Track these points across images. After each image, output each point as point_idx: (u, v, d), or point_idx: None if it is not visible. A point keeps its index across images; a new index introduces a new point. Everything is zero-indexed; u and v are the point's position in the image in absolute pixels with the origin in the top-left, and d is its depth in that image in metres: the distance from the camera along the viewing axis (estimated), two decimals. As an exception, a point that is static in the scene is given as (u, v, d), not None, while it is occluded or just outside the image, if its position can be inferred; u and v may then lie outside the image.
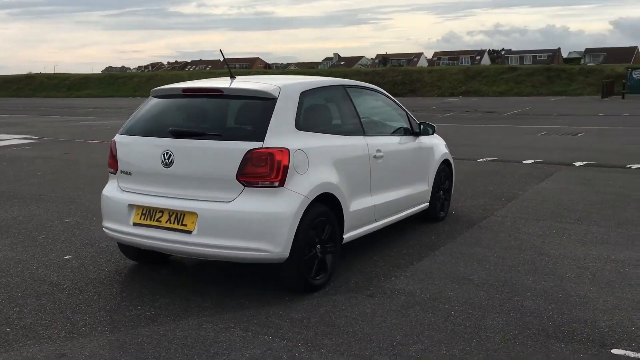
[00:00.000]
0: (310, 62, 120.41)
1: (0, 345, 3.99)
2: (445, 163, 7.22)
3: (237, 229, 4.44)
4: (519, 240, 6.36)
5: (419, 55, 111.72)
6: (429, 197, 6.83)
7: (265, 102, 4.72)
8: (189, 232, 4.56)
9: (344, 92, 5.66)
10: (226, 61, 5.54)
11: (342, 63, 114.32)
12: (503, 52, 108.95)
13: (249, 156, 4.47)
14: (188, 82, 5.49)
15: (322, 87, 5.37)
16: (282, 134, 4.62)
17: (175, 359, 3.75)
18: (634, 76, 37.92)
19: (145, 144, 4.90)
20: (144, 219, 4.78)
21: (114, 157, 5.11)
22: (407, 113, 6.64)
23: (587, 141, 16.11)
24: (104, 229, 5.20)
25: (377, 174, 5.66)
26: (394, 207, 6.04)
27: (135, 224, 4.82)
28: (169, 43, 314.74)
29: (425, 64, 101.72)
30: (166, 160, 4.70)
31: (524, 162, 12.17)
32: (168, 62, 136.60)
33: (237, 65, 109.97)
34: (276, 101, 4.71)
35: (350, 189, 5.19)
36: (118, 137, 5.14)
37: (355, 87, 5.97)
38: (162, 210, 4.71)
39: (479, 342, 3.92)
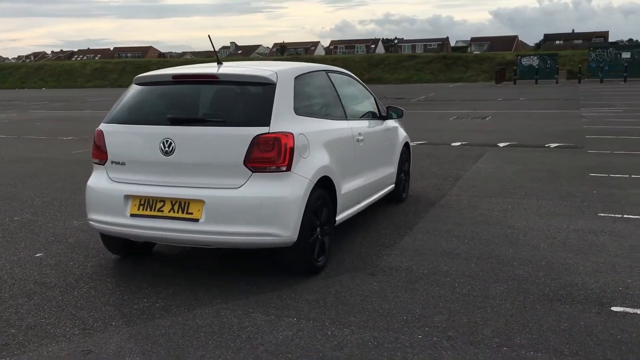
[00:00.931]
0: (207, 51, 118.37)
1: (14, 347, 3.79)
2: (406, 146, 7.49)
3: (246, 215, 4.44)
4: (483, 216, 6.73)
5: (316, 44, 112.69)
6: (394, 179, 7.08)
7: (264, 88, 4.72)
8: (196, 220, 4.50)
9: (326, 77, 5.75)
10: (215, 49, 5.46)
11: (240, 52, 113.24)
12: (396, 41, 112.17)
13: (256, 141, 4.47)
14: (171, 68, 5.37)
15: (310, 72, 5.43)
16: (284, 118, 4.65)
17: (209, 346, 3.73)
18: (523, 63, 40.37)
19: (140, 133, 4.76)
20: (142, 210, 4.66)
21: (100, 147, 4.92)
22: (374, 97, 6.83)
23: (498, 124, 17.07)
24: (90, 222, 5.00)
25: (359, 157, 5.81)
26: (371, 189, 6.22)
27: (133, 215, 4.68)
28: (50, 31, 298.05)
29: (323, 53, 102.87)
30: (166, 149, 4.60)
31: (452, 144, 12.76)
32: (52, 52, 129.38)
33: (128, 55, 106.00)
34: (275, 86, 4.73)
35: (341, 172, 5.30)
36: (104, 127, 4.94)
37: (334, 72, 6.07)
38: (163, 200, 4.61)
39: (493, 310, 4.17)
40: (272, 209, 4.46)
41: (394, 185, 7.07)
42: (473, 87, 38.50)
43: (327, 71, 5.85)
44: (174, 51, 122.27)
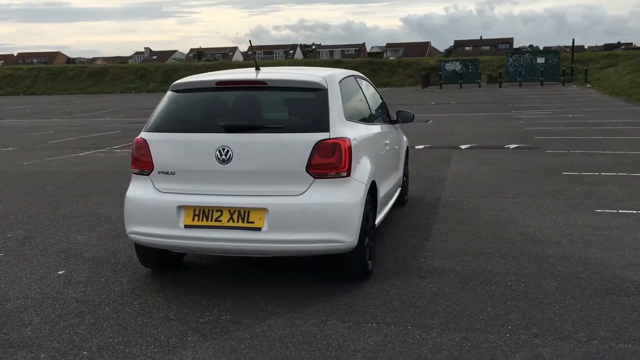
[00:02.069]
0: (119, 57, 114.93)
1: (97, 370, 3.58)
2: (406, 149, 7.62)
3: (310, 222, 4.39)
4: (490, 216, 6.95)
5: (234, 49, 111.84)
6: (402, 182, 7.18)
7: (317, 93, 4.68)
8: (258, 229, 4.40)
9: (355, 82, 5.77)
10: (253, 49, 5.35)
11: (155, 57, 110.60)
12: (314, 47, 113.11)
13: (318, 147, 4.43)
14: (207, 74, 5.22)
15: (347, 77, 5.43)
16: (339, 124, 4.63)
17: (305, 357, 3.66)
18: (447, 68, 41.76)
19: (192, 141, 4.60)
20: (198, 220, 4.50)
21: (143, 157, 4.71)
22: (383, 101, 6.90)
23: (443, 127, 17.57)
24: (132, 235, 4.77)
25: (386, 161, 5.87)
26: (392, 192, 6.30)
27: (187, 227, 4.51)
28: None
29: (241, 58, 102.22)
30: (223, 157, 4.47)
31: (416, 147, 13.04)
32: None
33: (34, 60, 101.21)
34: (327, 91, 4.70)
35: (379, 177, 5.34)
36: (147, 135, 4.74)
37: (359, 77, 6.09)
38: (220, 209, 4.48)
39: (559, 305, 4.33)
40: (336, 215, 4.43)
41: (401, 188, 7.17)
42: (401, 91, 39.42)
43: (354, 76, 5.88)
44: (83, 56, 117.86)
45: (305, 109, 4.73)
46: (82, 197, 8.62)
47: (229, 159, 4.46)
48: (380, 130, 5.75)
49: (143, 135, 4.77)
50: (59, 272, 5.33)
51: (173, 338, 3.97)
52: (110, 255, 5.75)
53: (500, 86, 38.83)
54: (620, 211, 6.98)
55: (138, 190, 4.74)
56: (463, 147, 12.94)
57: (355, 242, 4.53)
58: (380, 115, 6.45)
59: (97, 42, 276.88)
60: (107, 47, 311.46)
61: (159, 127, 4.77)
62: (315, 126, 4.52)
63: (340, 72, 5.34)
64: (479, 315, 4.17)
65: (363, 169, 4.76)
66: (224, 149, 4.47)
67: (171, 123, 4.80)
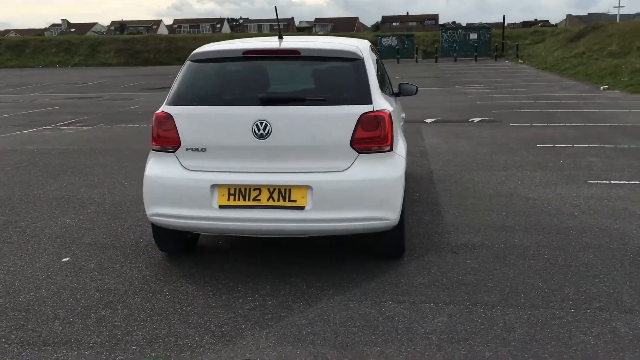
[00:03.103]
0: (33, 29, 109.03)
1: (157, 367, 3.26)
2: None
3: (356, 199, 4.16)
4: (490, 189, 6.92)
5: (158, 22, 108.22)
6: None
7: (354, 63, 4.42)
8: (301, 207, 4.13)
9: (372, 52, 5.52)
10: (278, 20, 5.00)
11: (73, 30, 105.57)
12: (242, 21, 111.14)
13: (361, 121, 4.19)
14: (226, 42, 4.84)
15: (370, 46, 5.18)
16: (378, 95, 4.40)
17: (378, 341, 3.47)
18: (384, 43, 41.93)
19: (226, 115, 4.24)
20: (234, 200, 4.18)
21: (166, 133, 4.32)
22: (386, 72, 6.69)
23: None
24: (155, 217, 4.38)
25: (402, 134, 5.68)
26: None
27: (222, 207, 4.18)
28: None
29: (165, 32, 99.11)
30: (261, 131, 4.15)
31: (382, 121, 12.93)
32: None
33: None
34: (364, 61, 4.45)
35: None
36: (172, 109, 4.34)
37: (372, 47, 5.85)
38: (258, 188, 4.17)
39: (609, 278, 4.30)
40: (382, 191, 4.22)
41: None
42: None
43: (370, 46, 5.63)
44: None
45: (345, 80, 4.45)
46: (50, 177, 8.01)
47: (268, 134, 4.15)
48: (397, 104, 5.56)
49: (166, 108, 4.37)
50: (64, 260, 4.87)
51: (225, 327, 3.68)
52: (113, 240, 5.32)
53: (436, 61, 39.34)
54: (612, 182, 7.11)
55: (161, 169, 4.36)
56: (428, 121, 12.95)
57: (398, 219, 4.35)
58: (389, 87, 6.25)
59: (6, 14, 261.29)
60: (20, 20, 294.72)
61: (184, 100, 4.38)
62: (357, 98, 4.27)
63: (363, 42, 5.08)
64: (534, 291, 4.09)
65: (400, 143, 4.57)
66: (261, 123, 4.15)
67: (197, 96, 4.42)
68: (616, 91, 19.25)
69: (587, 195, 6.54)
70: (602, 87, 20.33)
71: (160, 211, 4.34)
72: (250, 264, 4.67)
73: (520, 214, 5.89)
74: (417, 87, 6.67)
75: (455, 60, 38.98)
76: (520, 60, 35.64)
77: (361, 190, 4.16)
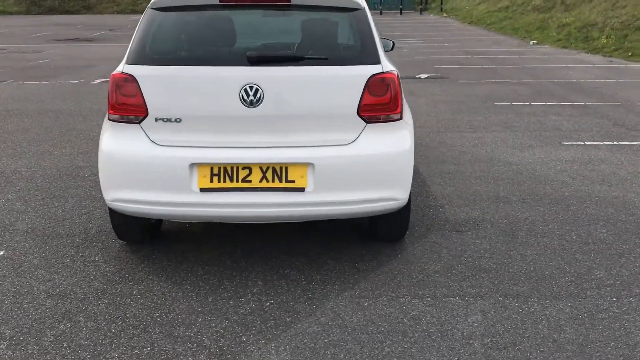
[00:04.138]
0: None
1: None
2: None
3: (365, 178, 3.52)
4: (466, 153, 6.45)
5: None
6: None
7: (355, 15, 3.71)
8: (301, 189, 3.45)
9: None
10: None
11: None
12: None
13: (370, 84, 3.52)
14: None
15: None
16: (383, 53, 3.74)
17: (424, 347, 2.91)
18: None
19: (206, 77, 3.45)
20: (218, 182, 3.44)
21: (130, 99, 3.49)
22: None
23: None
24: (116, 203, 3.58)
25: None
26: None
27: (204, 190, 3.44)
28: None
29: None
30: (250, 97, 3.40)
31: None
32: None
33: None
34: (365, 12, 3.76)
35: None
36: (135, 69, 3.49)
37: None
38: (248, 167, 3.45)
39: (635, 257, 3.92)
40: (394, 167, 3.60)
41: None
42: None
43: None
44: None
45: (347, 35, 3.75)
46: (-38, 145, 6.86)
47: (259, 101, 3.41)
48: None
49: (127, 69, 3.52)
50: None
51: (222, 340, 3.00)
52: (57, 226, 4.45)
53: (360, 14, 38.58)
54: (586, 143, 6.83)
55: (123, 144, 3.53)
56: (373, 77, 12.35)
57: (407, 198, 3.76)
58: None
59: None
60: None
61: (149, 59, 3.55)
62: (363, 57, 3.59)
63: None
64: (564, 276, 3.64)
65: (406, 108, 3.94)
66: (251, 88, 3.40)
67: (167, 52, 3.61)
68: (546, 46, 19.36)
69: (569, 158, 6.20)
70: (531, 42, 20.40)
71: (122, 196, 3.54)
72: (231, 253, 3.97)
73: (509, 182, 5.45)
74: (393, 43, 6.02)
75: (381, 13, 38.38)
76: (445, 14, 35.54)
77: (371, 166, 3.53)
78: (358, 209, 3.57)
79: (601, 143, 6.81)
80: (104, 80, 11.64)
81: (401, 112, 3.66)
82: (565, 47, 18.53)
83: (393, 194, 3.60)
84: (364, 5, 3.78)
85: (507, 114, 8.44)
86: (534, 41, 20.49)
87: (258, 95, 3.40)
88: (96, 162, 3.62)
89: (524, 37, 21.89)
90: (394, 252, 3.97)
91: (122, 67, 3.54)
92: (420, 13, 37.55)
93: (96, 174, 4.09)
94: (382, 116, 3.57)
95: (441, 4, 37.67)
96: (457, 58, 15.54)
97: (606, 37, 17.69)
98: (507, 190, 5.22)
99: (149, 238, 4.09)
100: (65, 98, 9.81)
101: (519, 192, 5.17)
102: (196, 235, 4.25)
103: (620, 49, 16.43)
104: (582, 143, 6.82)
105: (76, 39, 21.99)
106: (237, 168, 3.44)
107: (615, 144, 6.75)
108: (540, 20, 23.89)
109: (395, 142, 3.62)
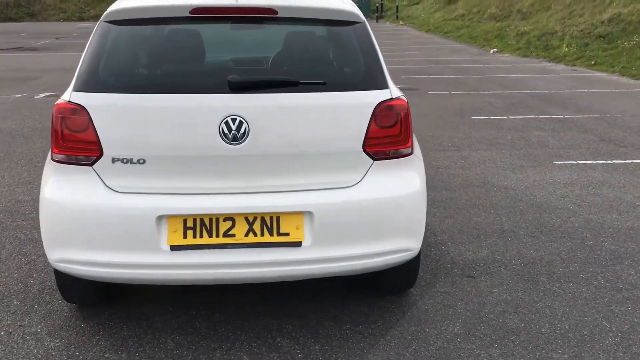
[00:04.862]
0: None
1: None
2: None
3: (372, 227, 2.89)
4: (455, 176, 5.90)
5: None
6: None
7: (355, 29, 3.08)
8: (297, 243, 2.80)
9: None
10: None
11: None
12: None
13: (378, 113, 2.90)
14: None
15: None
16: (388, 75, 3.13)
17: None
18: None
19: (178, 107, 2.76)
20: (194, 237, 2.75)
21: (81, 134, 2.77)
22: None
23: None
24: (63, 265, 2.84)
25: None
26: None
27: (175, 248, 2.75)
28: None
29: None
30: (233, 132, 2.73)
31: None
32: None
33: None
34: (366, 26, 3.14)
35: None
36: (87, 98, 2.77)
37: None
38: (231, 217, 2.77)
39: (673, 305, 3.41)
40: (407, 211, 2.98)
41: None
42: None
43: None
44: None
45: (347, 54, 3.10)
46: None
47: (243, 136, 2.75)
48: None
49: (74, 97, 2.81)
50: None
51: None
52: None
53: (315, 21, 38.09)
54: (579, 162, 6.38)
55: (72, 191, 2.81)
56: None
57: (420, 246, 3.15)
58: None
59: None
60: None
61: (104, 85, 2.83)
62: (368, 81, 2.97)
63: None
64: (606, 338, 3.09)
65: (415, 140, 3.34)
66: (233, 120, 2.73)
67: (126, 77, 2.90)
68: (506, 54, 19.20)
69: (566, 180, 5.72)
70: (492, 51, 20.23)
71: (71, 256, 2.82)
72: (207, 317, 3.28)
73: (511, 210, 4.92)
74: None
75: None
76: (401, 22, 35.36)
77: (380, 212, 2.90)
78: (365, 265, 2.93)
79: (595, 162, 6.37)
80: (49, 94, 10.72)
81: (412, 146, 3.06)
82: (525, 56, 18.39)
83: (406, 243, 2.99)
84: (363, 17, 3.16)
85: (488, 130, 7.97)
86: (494, 49, 20.32)
87: (242, 129, 2.74)
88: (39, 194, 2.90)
89: (483, 46, 21.74)
90: (401, 308, 3.36)
91: (69, 95, 2.83)
92: (377, 21, 37.29)
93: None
94: (390, 151, 2.96)
95: (397, 12, 37.54)
96: (422, 67, 15.14)
97: (567, 46, 17.61)
98: (511, 221, 4.68)
99: (105, 299, 3.36)
100: (5, 115, 8.88)
101: (524, 223, 4.64)
102: (163, 294, 3.53)
103: (583, 57, 16.33)
104: (575, 162, 6.37)
105: (20, 48, 20.78)
106: (217, 220, 2.77)
107: (609, 163, 6.32)
108: (498, 28, 23.82)
109: (406, 181, 3.01)
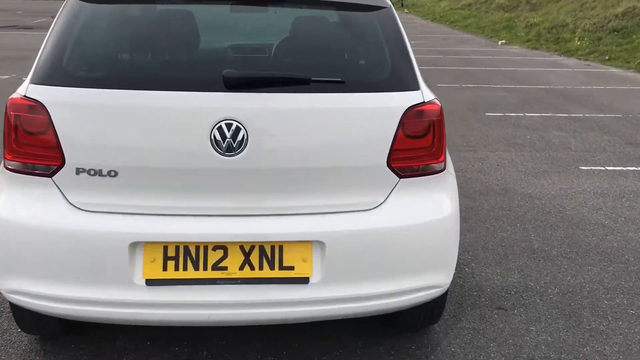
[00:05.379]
0: None
1: None
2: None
3: (397, 260, 2.36)
4: (473, 180, 5.37)
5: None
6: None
7: (379, 16, 2.54)
8: (303, 279, 2.26)
9: None
10: None
11: None
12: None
13: (407, 120, 2.36)
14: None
15: None
16: (419, 73, 2.58)
17: None
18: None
19: (158, 106, 2.21)
20: (175, 269, 2.22)
21: (37, 138, 2.23)
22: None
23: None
24: (19, 297, 2.31)
25: None
26: None
27: (152, 282, 2.21)
28: None
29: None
30: (228, 139, 2.19)
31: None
32: None
33: None
34: (392, 12, 2.58)
35: None
36: (46, 92, 2.22)
37: None
38: (222, 246, 2.24)
39: None
40: (438, 240, 2.45)
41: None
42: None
43: None
44: None
45: (368, 45, 2.55)
46: None
47: (241, 145, 2.20)
48: None
49: (32, 91, 2.25)
50: None
51: None
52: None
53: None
54: (607, 168, 5.85)
55: (26, 208, 2.27)
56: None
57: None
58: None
59: None
60: None
61: (69, 76, 2.28)
62: (395, 80, 2.42)
63: None
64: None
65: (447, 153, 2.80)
66: (229, 126, 2.18)
67: (97, 68, 2.35)
68: (515, 46, 18.64)
69: (596, 189, 5.18)
70: (500, 42, 19.64)
71: (25, 287, 2.28)
72: (192, 354, 2.74)
73: (539, 225, 4.39)
74: None
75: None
76: (406, 10, 34.67)
77: (406, 242, 2.37)
78: (386, 305, 2.40)
79: (624, 168, 5.84)
80: (37, 77, 10.11)
81: (445, 160, 2.52)
82: (535, 48, 17.82)
83: (436, 279, 2.46)
84: (389, 2, 2.61)
85: (504, 128, 7.43)
86: (503, 41, 19.72)
87: (239, 137, 2.19)
88: None
89: (491, 37, 21.16)
90: (424, 349, 2.83)
91: (25, 89, 2.27)
92: (380, 8, 36.55)
93: None
94: (420, 167, 2.42)
95: (402, 0, 36.86)
96: (430, 58, 14.56)
97: (579, 39, 17.02)
98: (540, 238, 4.15)
99: (71, 330, 2.82)
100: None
101: (555, 241, 4.11)
102: (138, 326, 2.99)
103: (596, 52, 15.76)
104: (603, 168, 5.83)
105: (14, 27, 20.16)
106: (206, 248, 2.23)
107: (637, 169, 5.79)
108: (507, 19, 23.18)
109: (438, 204, 2.47)
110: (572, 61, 15.00)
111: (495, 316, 3.15)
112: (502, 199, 4.93)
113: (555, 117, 8.11)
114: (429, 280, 2.43)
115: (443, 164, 2.49)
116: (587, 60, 15.15)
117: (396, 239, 2.34)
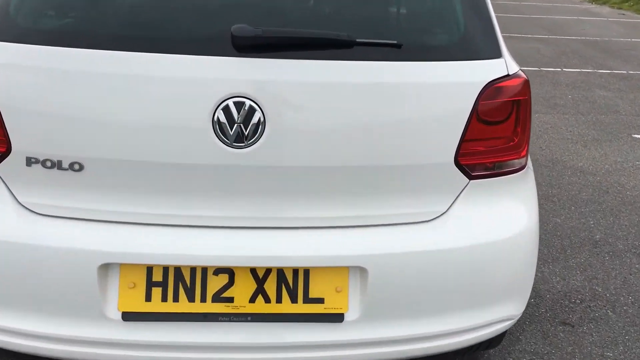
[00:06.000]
0: None
1: None
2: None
3: (463, 287, 1.76)
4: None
5: None
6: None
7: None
8: (337, 316, 1.66)
9: None
10: None
11: None
12: None
13: (484, 100, 1.70)
14: None
15: None
16: (502, 40, 1.91)
17: None
18: None
19: (141, 75, 1.55)
20: (162, 300, 1.62)
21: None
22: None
23: None
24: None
25: None
26: None
27: (130, 316, 1.62)
28: None
29: None
30: (237, 125, 1.55)
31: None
32: None
33: None
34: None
35: None
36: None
37: None
38: (226, 269, 1.63)
39: None
40: (515, 263, 1.84)
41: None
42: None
43: None
44: None
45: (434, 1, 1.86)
46: None
47: (255, 133, 1.56)
48: None
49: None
50: None
51: None
52: None
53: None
54: (663, 137, 5.20)
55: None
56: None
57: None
58: None
59: None
60: None
61: (18, 28, 1.62)
62: (470, 45, 1.75)
63: None
64: None
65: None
66: (239, 105, 1.54)
67: (59, 17, 1.68)
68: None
69: (656, 165, 4.55)
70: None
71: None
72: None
73: (598, 208, 3.78)
74: None
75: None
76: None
77: (474, 266, 1.75)
78: (445, 347, 1.81)
79: (684, 138, 5.18)
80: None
81: (527, 155, 1.88)
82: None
83: (508, 310, 1.86)
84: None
85: (542, 85, 6.73)
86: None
87: (254, 121, 1.55)
88: None
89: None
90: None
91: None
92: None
93: None
94: (495, 163, 1.77)
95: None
96: None
97: (613, -14, 15.97)
98: (601, 227, 3.54)
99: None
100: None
101: (620, 231, 3.50)
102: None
103: (629, 0, 14.77)
104: (659, 137, 5.17)
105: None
106: (204, 272, 1.63)
107: (702, 141, 5.13)
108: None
109: (516, 214, 1.85)
110: (605, 9, 14.06)
111: (561, 334, 2.57)
112: (549, 173, 4.30)
113: (596, 74, 7.39)
114: (500, 313, 1.84)
115: (525, 159, 1.86)
116: (620, 9, 14.20)
117: (463, 262, 1.73)
